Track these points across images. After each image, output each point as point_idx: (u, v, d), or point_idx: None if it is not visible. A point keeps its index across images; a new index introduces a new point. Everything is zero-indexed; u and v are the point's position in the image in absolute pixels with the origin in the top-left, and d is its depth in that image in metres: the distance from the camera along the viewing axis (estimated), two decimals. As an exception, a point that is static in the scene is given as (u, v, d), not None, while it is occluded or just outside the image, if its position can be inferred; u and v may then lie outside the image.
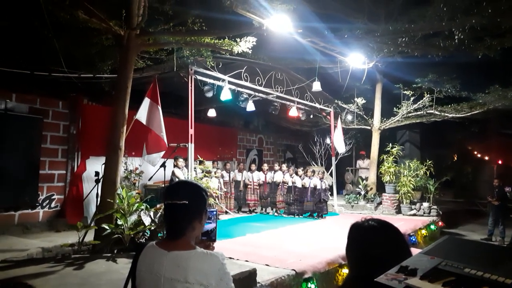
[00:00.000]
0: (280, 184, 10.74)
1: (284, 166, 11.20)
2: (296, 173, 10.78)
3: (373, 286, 1.05)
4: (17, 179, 7.02)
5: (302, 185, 10.41)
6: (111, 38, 6.13)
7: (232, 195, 10.66)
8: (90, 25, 5.38)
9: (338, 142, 12.09)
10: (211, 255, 1.51)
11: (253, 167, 11.26)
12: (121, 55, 5.65)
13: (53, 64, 6.54)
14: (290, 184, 10.58)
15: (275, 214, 10.80)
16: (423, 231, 9.34)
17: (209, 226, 1.82)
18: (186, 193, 1.59)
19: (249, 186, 10.81)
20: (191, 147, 7.23)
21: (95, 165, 7.43)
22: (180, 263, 1.47)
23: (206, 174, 8.38)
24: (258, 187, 10.87)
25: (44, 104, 7.68)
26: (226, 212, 10.14)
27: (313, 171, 10.78)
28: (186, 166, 7.85)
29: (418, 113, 12.23)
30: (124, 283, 1.69)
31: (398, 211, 11.38)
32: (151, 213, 5.28)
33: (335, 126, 12.23)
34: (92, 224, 5.28)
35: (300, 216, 10.41)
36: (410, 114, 12.32)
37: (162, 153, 6.75)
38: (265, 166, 11.27)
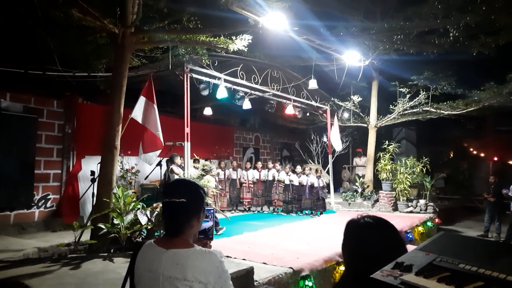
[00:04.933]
0: (275, 182, 10.76)
1: (277, 165, 11.22)
2: (293, 171, 10.80)
3: (369, 283, 1.05)
4: (12, 179, 6.97)
5: (299, 183, 10.45)
6: (105, 37, 6.08)
7: (226, 193, 10.66)
8: (84, 23, 5.34)
9: (334, 140, 12.11)
10: (209, 253, 1.52)
11: (248, 165, 11.26)
12: (116, 54, 5.61)
13: (47, 63, 6.49)
14: (287, 182, 10.60)
15: (273, 212, 10.82)
16: (420, 228, 9.39)
17: (206, 225, 1.82)
18: (184, 191, 1.59)
19: (244, 185, 10.81)
20: (187, 145, 7.21)
21: (91, 164, 7.40)
22: (179, 261, 1.48)
23: (205, 173, 8.35)
24: (252, 185, 10.87)
25: (39, 103, 7.63)
26: (221, 211, 10.13)
27: (311, 169, 10.82)
28: (182, 164, 7.83)
29: (414, 110, 12.28)
30: (123, 281, 1.70)
31: (395, 208, 11.43)
32: (148, 212, 5.27)
33: (331, 124, 12.25)
34: (88, 224, 5.25)
35: (300, 214, 10.44)
36: (406, 112, 12.36)
37: (159, 151, 6.73)
38: (259, 164, 11.27)
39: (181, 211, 1.55)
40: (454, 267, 1.02)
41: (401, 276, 1.01)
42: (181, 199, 1.55)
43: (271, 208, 10.95)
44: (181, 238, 1.55)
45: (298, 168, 10.87)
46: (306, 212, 10.53)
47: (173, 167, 8.23)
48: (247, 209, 10.88)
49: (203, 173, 7.89)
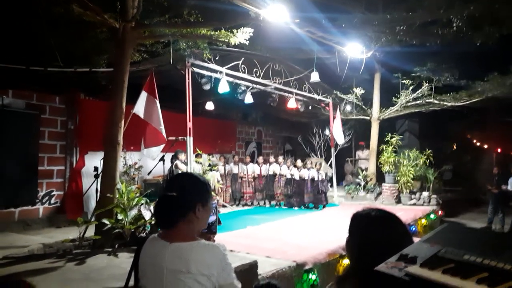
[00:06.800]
0: (277, 176, 10.76)
1: (280, 158, 11.22)
2: (294, 165, 10.80)
3: (374, 275, 1.04)
4: (16, 175, 7.00)
5: (300, 177, 10.45)
6: (106, 32, 6.07)
7: (228, 188, 10.66)
8: (85, 18, 5.32)
9: (337, 133, 12.08)
10: (212, 246, 1.53)
11: (248, 159, 11.22)
12: (117, 49, 5.59)
13: (49, 59, 6.49)
14: (288, 176, 10.60)
15: (276, 206, 10.83)
16: (423, 221, 9.39)
17: (209, 219, 1.82)
18: (178, 185, 1.61)
19: (244, 179, 10.82)
20: (189, 140, 7.21)
21: (94, 160, 7.42)
22: (182, 255, 1.49)
23: (213, 168, 8.36)
24: (253, 180, 10.87)
25: (41, 99, 7.64)
26: (224, 206, 10.16)
27: (312, 162, 10.82)
28: (186, 160, 7.84)
29: (417, 102, 12.21)
30: (127, 276, 1.70)
31: (398, 201, 11.42)
32: (151, 207, 5.28)
33: (334, 117, 12.21)
34: (92, 219, 5.28)
35: (301, 208, 10.47)
36: (409, 104, 12.29)
37: (162, 147, 6.73)
38: (260, 159, 11.25)
39: (171, 204, 1.55)
40: (459, 258, 1.01)
41: (406, 268, 1.00)
42: (172, 193, 1.55)
43: (273, 202, 10.97)
44: (182, 232, 1.55)
45: (299, 162, 10.87)
46: (308, 206, 10.54)
47: (178, 162, 8.25)
48: (248, 203, 10.88)
49: (208, 168, 7.90)
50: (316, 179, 10.42)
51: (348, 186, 12.51)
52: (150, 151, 6.72)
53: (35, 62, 6.78)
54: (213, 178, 8.42)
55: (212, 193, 7.49)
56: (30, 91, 7.46)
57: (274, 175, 10.81)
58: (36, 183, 7.43)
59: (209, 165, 8.36)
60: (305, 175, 10.45)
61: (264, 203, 11.04)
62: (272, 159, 11.20)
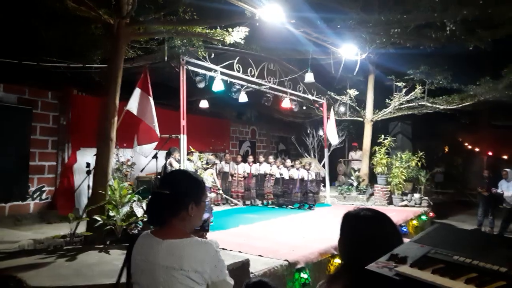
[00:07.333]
0: (267, 176, 10.76)
1: (270, 158, 11.22)
2: (284, 165, 10.80)
3: (364, 274, 1.05)
4: (7, 170, 6.93)
5: (289, 177, 10.45)
6: (100, 27, 6.02)
7: (220, 186, 10.62)
8: (79, 13, 5.27)
9: (330, 133, 12.13)
10: (205, 243, 1.53)
11: (239, 158, 11.16)
12: (111, 45, 5.56)
13: (42, 54, 6.42)
14: (277, 176, 10.61)
15: (269, 205, 10.82)
16: (414, 222, 9.47)
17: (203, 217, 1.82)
18: (172, 183, 1.60)
19: (234, 178, 10.80)
20: (183, 138, 7.19)
21: (86, 156, 7.37)
22: (175, 251, 1.49)
23: (207, 166, 8.32)
24: (242, 179, 10.86)
25: (33, 94, 7.56)
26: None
27: (301, 162, 10.82)
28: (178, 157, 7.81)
29: (410, 104, 12.27)
30: (119, 272, 1.70)
31: (390, 202, 11.50)
32: (143, 205, 5.26)
33: (327, 118, 12.25)
34: (84, 216, 5.25)
35: (289, 207, 10.45)
36: (402, 106, 12.36)
37: (155, 144, 6.71)
38: (250, 158, 11.22)
39: (162, 202, 1.54)
40: (448, 259, 1.02)
41: (396, 267, 1.01)
42: (165, 191, 1.55)
43: (266, 201, 10.95)
44: (175, 229, 1.55)
45: (288, 162, 10.87)
46: (302, 205, 10.53)
47: (172, 160, 8.22)
48: (238, 202, 10.84)
49: (206, 166, 7.86)
50: (305, 179, 10.40)
51: (340, 187, 12.57)
52: (143, 148, 6.69)
53: (28, 56, 6.71)
54: (211, 176, 8.41)
55: (212, 190, 7.52)
56: (22, 86, 7.39)
57: (265, 174, 10.81)
58: (27, 179, 7.37)
59: (207, 163, 8.32)
60: (294, 174, 10.45)
61: (256, 202, 11.03)
62: (261, 158, 11.20)
